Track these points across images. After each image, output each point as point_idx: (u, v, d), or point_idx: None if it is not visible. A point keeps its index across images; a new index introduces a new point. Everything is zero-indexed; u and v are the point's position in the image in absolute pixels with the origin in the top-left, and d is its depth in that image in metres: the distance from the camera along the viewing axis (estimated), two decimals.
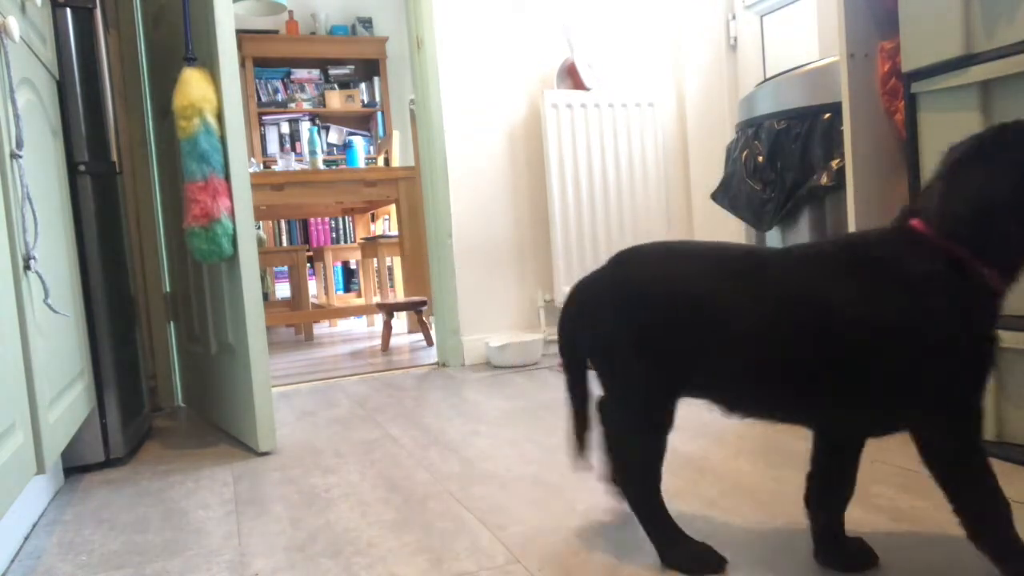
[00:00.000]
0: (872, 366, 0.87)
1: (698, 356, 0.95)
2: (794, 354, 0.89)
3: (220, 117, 1.76)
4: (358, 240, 4.76)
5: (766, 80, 1.84)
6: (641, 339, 0.97)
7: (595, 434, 1.13)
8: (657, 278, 0.97)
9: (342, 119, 5.70)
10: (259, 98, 5.43)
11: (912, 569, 0.97)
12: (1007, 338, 1.29)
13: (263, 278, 5.19)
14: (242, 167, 1.77)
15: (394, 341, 3.75)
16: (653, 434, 1.01)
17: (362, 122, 5.77)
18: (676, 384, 0.98)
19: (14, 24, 1.18)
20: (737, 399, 0.97)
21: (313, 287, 5.39)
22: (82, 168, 1.75)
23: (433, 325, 3.16)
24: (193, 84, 1.73)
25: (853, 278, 0.88)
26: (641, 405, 1.00)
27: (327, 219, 5.52)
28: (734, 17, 3.02)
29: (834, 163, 1.65)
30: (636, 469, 1.03)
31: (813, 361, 0.89)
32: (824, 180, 1.65)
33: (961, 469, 0.87)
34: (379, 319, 4.74)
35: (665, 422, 1.01)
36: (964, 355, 0.86)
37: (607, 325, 1.00)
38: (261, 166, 4.96)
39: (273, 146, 5.44)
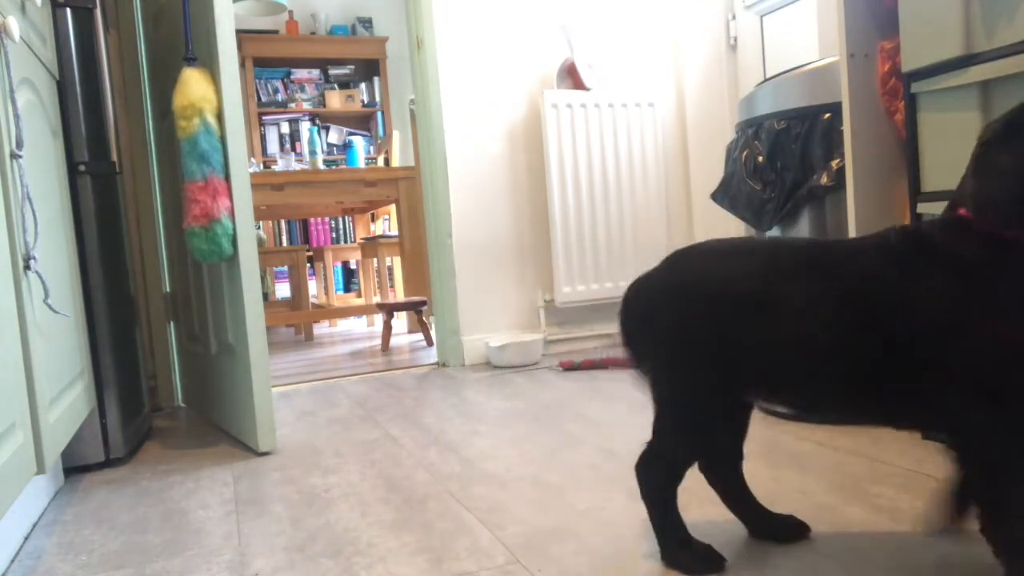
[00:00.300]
0: (930, 356, 0.87)
1: (756, 355, 0.93)
2: (856, 348, 0.89)
3: (220, 117, 1.76)
4: (358, 240, 4.76)
5: (766, 80, 1.84)
6: (696, 339, 0.95)
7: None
8: (713, 276, 0.96)
9: (342, 119, 5.70)
10: (259, 98, 5.43)
11: (912, 569, 0.97)
12: None
13: (263, 278, 5.19)
14: (242, 167, 1.77)
15: (394, 341, 3.75)
16: (697, 436, 1.01)
17: (362, 122, 5.77)
18: (732, 385, 0.97)
19: (14, 24, 1.18)
20: (799, 398, 0.96)
21: (313, 287, 5.39)
22: (82, 168, 1.75)
23: (433, 325, 3.16)
24: (193, 84, 1.73)
25: (907, 270, 0.89)
26: (692, 405, 0.99)
27: (327, 219, 5.52)
28: (734, 17, 3.02)
29: (834, 163, 1.65)
30: (664, 464, 1.02)
31: (873, 354, 0.88)
32: (824, 180, 1.65)
33: (992, 457, 0.86)
34: (379, 319, 4.74)
35: (714, 425, 1.01)
36: (1015, 337, 0.84)
37: (661, 325, 0.98)
38: (261, 166, 4.97)
39: (273, 146, 5.44)
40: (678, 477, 1.01)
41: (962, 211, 0.90)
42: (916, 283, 0.88)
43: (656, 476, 1.02)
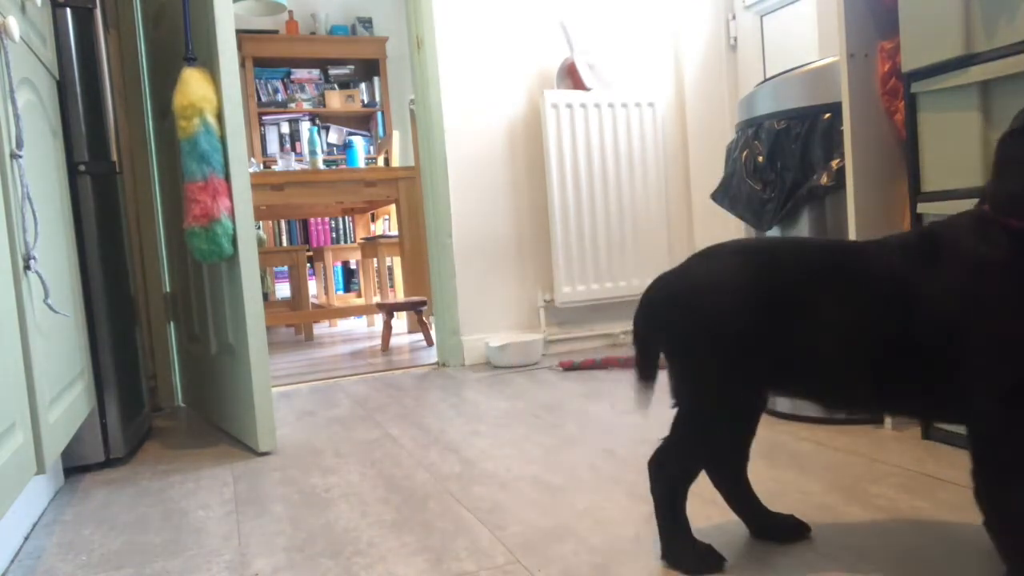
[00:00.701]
0: (944, 352, 0.87)
1: (786, 352, 0.94)
2: (882, 344, 0.90)
3: (220, 117, 1.76)
4: (358, 240, 4.76)
5: (766, 80, 1.84)
6: (723, 337, 0.96)
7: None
8: (741, 275, 0.96)
9: (342, 119, 5.70)
10: (259, 98, 5.43)
11: (912, 569, 0.97)
12: None
13: (263, 278, 5.19)
14: (242, 167, 1.77)
15: (394, 341, 3.75)
16: (718, 434, 1.01)
17: (362, 122, 5.77)
18: (757, 383, 0.98)
19: (14, 24, 1.18)
20: (827, 393, 0.98)
21: (313, 287, 5.39)
22: (82, 168, 1.75)
23: (433, 325, 3.16)
24: (193, 84, 1.73)
25: (926, 265, 0.90)
26: (718, 403, 0.99)
27: (327, 219, 5.52)
28: (734, 17, 3.02)
29: (834, 163, 1.65)
30: (680, 461, 1.01)
31: (898, 350, 0.90)
32: (824, 180, 1.65)
33: (997, 453, 0.87)
34: (379, 319, 4.74)
35: (735, 423, 1.02)
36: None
37: (688, 322, 0.98)
38: (261, 166, 4.97)
39: (273, 146, 5.44)
40: (692, 475, 1.02)
41: (987, 206, 0.90)
42: (934, 280, 0.89)
43: (670, 473, 1.02)
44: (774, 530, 1.10)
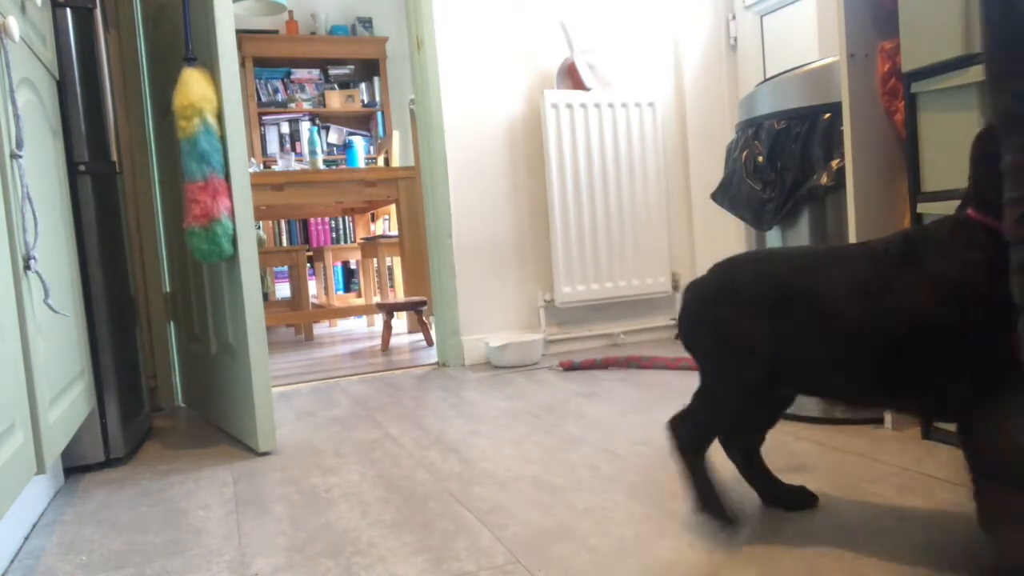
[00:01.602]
0: (928, 350, 0.91)
1: (793, 350, 1.02)
2: (875, 341, 0.95)
3: (220, 117, 1.76)
4: (358, 240, 4.76)
5: (766, 80, 1.84)
6: (739, 336, 1.05)
7: None
8: (753, 280, 1.06)
9: (342, 119, 5.70)
10: (259, 98, 5.43)
11: (912, 569, 0.98)
12: None
13: (263, 278, 5.19)
14: (242, 167, 1.77)
15: (394, 341, 3.75)
16: (723, 413, 1.11)
17: (362, 122, 5.77)
18: (770, 376, 1.05)
19: (14, 24, 1.18)
20: (831, 389, 1.04)
21: (313, 287, 5.39)
22: (82, 168, 1.75)
23: (433, 325, 3.16)
24: (193, 84, 1.73)
25: (910, 267, 0.94)
26: (722, 391, 1.09)
27: (327, 219, 5.52)
28: (734, 17, 3.02)
29: (834, 163, 1.65)
30: (694, 423, 1.11)
31: (884, 350, 0.94)
32: (824, 180, 1.65)
33: (988, 451, 0.88)
34: (379, 319, 4.74)
35: (739, 409, 1.12)
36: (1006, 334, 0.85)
37: (711, 324, 1.09)
38: (261, 166, 4.97)
39: (273, 146, 5.44)
40: (706, 439, 1.12)
41: (970, 211, 0.91)
42: (921, 284, 0.91)
43: (686, 431, 1.12)
44: (786, 498, 1.19)
